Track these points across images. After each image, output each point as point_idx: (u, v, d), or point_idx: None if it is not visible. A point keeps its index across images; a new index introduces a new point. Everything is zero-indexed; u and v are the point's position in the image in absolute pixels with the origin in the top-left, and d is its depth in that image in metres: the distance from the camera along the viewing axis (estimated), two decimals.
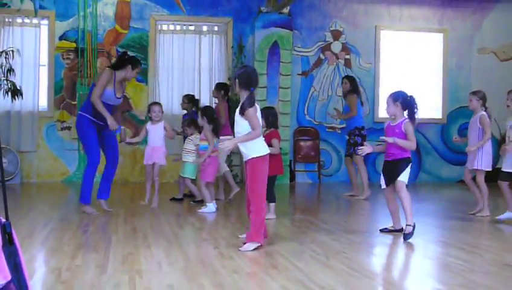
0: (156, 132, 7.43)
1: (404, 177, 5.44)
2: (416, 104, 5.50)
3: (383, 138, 5.56)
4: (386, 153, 5.64)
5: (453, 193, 10.00)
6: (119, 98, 6.78)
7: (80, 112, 6.78)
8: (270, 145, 6.32)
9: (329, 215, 7.27)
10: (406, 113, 5.53)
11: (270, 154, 6.27)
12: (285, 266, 4.24)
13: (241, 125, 4.95)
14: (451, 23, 11.53)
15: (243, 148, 5.00)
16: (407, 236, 5.35)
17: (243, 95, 4.95)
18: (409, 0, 11.31)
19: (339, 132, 10.85)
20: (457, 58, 11.59)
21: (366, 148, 5.69)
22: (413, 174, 9.37)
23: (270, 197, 6.40)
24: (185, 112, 8.67)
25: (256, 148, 4.98)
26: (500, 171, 6.64)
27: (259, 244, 4.81)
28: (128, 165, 10.39)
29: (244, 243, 4.82)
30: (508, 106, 6.69)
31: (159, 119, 7.45)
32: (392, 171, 5.52)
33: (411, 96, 5.52)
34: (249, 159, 4.97)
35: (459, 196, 9.61)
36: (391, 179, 5.52)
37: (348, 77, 9.12)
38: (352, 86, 8.83)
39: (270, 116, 6.50)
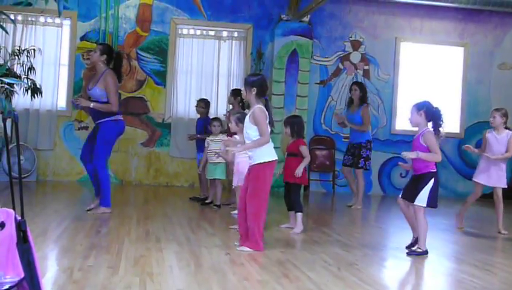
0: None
1: (421, 199, 5.21)
2: (441, 116, 5.35)
3: (404, 153, 5.33)
4: (413, 169, 5.45)
5: (468, 209, 9.89)
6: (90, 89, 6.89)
7: (116, 118, 6.81)
8: (297, 153, 6.31)
9: (343, 226, 7.24)
10: (430, 124, 5.37)
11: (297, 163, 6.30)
12: (297, 275, 4.22)
13: (250, 131, 5.03)
14: (472, 38, 11.47)
15: (250, 152, 5.07)
16: (412, 253, 5.32)
17: (256, 102, 5.01)
18: (431, 14, 11.27)
19: None
20: (477, 73, 11.52)
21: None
22: None
23: (298, 207, 6.28)
24: (198, 115, 8.70)
25: (265, 154, 5.03)
26: None
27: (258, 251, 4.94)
28: (142, 167, 10.43)
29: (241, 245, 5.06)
30: None
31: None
32: (413, 185, 5.34)
33: (436, 108, 5.39)
34: (255, 164, 5.00)
35: (475, 211, 9.52)
36: (409, 194, 5.35)
37: (357, 84, 9.03)
38: (362, 93, 8.74)
39: (295, 125, 6.41)
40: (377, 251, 5.46)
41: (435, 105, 5.45)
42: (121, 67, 7.08)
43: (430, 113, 5.35)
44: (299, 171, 6.22)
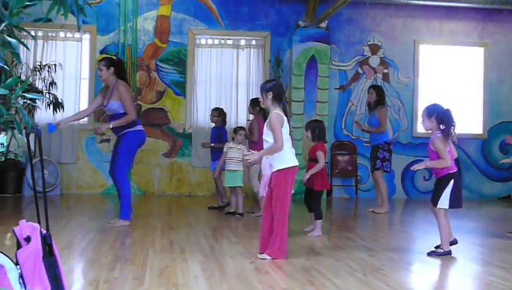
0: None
1: (443, 202, 5.27)
2: (452, 118, 5.21)
3: (413, 167, 5.40)
4: (434, 173, 5.52)
5: (494, 210, 9.78)
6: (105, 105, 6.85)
7: (137, 128, 6.79)
8: (314, 158, 6.31)
9: (367, 231, 7.18)
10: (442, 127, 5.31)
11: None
12: (322, 282, 4.19)
13: (267, 138, 5.03)
14: (493, 37, 11.36)
15: (271, 159, 5.03)
16: (433, 253, 5.33)
17: (274, 108, 5.00)
18: (449, 15, 11.19)
19: None
20: (498, 73, 11.40)
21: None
22: None
23: (317, 215, 6.35)
24: (213, 124, 8.72)
25: (285, 160, 5.00)
26: None
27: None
28: (164, 177, 10.48)
29: (262, 253, 5.01)
30: None
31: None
32: (435, 190, 5.39)
33: (447, 110, 5.24)
34: (276, 171, 4.98)
35: (500, 213, 9.40)
36: (433, 199, 5.38)
37: (374, 87, 8.99)
38: (378, 96, 8.69)
39: (316, 129, 6.46)
40: (403, 255, 5.41)
41: (445, 107, 5.30)
42: (125, 72, 7.04)
43: (440, 117, 5.22)
44: (305, 177, 6.30)
